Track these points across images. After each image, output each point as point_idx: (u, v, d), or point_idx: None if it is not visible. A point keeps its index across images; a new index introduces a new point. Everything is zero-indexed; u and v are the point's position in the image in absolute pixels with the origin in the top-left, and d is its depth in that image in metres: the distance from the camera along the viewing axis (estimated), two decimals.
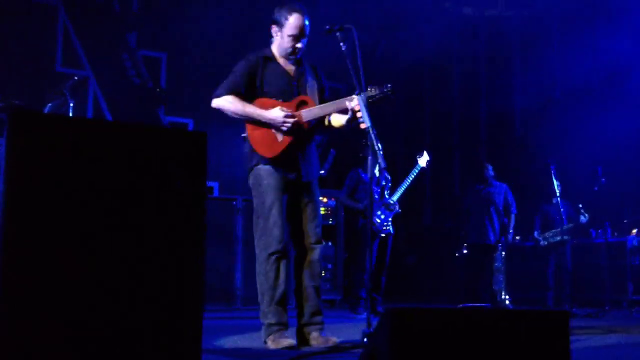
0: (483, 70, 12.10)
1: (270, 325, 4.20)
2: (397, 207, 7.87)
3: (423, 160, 7.95)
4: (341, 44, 4.12)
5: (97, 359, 2.26)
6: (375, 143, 3.94)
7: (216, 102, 4.25)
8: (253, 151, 4.28)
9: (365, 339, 3.81)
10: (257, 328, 4.42)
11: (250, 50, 4.41)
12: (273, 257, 4.19)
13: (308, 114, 4.24)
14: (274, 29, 4.34)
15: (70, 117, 4.59)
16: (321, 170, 8.38)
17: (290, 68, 4.37)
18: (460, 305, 7.13)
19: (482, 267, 8.96)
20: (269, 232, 4.19)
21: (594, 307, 8.14)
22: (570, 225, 8.83)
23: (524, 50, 11.86)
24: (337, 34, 4.16)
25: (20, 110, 4.87)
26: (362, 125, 4.03)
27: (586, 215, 8.70)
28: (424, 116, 12.48)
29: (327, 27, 4.19)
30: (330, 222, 8.99)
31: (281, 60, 4.36)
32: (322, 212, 8.05)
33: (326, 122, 4.41)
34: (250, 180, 4.33)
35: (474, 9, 11.81)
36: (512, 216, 9.07)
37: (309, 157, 4.35)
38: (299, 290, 4.33)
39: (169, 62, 9.85)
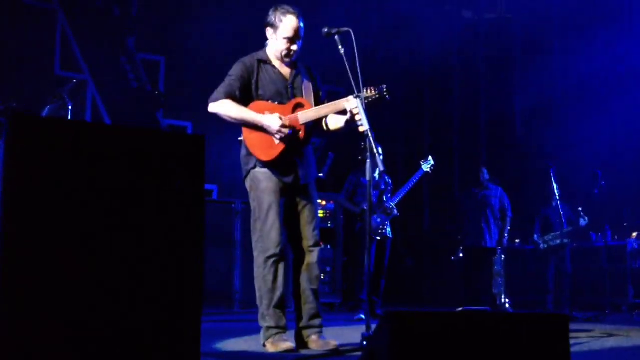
0: (483, 73, 12.10)
1: (268, 328, 4.19)
2: (395, 211, 7.86)
3: (427, 166, 7.93)
4: (340, 47, 4.12)
5: None
6: (374, 146, 3.93)
7: (213, 107, 4.23)
8: (250, 154, 4.26)
9: (364, 342, 3.80)
10: (255, 331, 4.41)
11: (249, 53, 4.40)
12: (271, 261, 4.18)
13: (304, 116, 4.23)
14: (269, 31, 4.33)
15: (68, 120, 4.59)
16: (320, 173, 8.39)
17: (285, 71, 4.35)
18: (460, 309, 7.12)
19: (480, 271, 8.95)
20: (266, 235, 4.18)
21: (594, 310, 8.13)
22: (570, 228, 8.82)
23: (524, 53, 11.87)
24: (336, 37, 4.15)
25: (18, 113, 4.87)
26: (361, 129, 4.02)
27: (586, 218, 8.68)
28: (424, 119, 12.48)
29: (326, 30, 4.19)
30: (329, 225, 8.98)
31: (276, 63, 4.34)
32: (320, 215, 8.07)
33: (324, 125, 4.39)
34: (248, 184, 4.31)
35: (474, 11, 11.82)
36: (508, 219, 9.07)
37: (306, 160, 4.33)
38: (298, 293, 4.32)
39: (167, 65, 9.85)
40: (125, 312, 2.33)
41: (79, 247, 2.28)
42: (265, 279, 4.19)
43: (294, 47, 4.28)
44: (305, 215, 4.31)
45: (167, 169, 2.47)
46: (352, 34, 4.05)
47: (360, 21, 10.53)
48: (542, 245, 9.19)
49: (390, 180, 8.10)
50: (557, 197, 8.42)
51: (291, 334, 4.32)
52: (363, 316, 7.86)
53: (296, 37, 4.26)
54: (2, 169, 2.23)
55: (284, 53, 4.28)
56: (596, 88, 10.44)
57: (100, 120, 9.05)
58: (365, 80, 4.07)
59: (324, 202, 8.73)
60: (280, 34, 4.25)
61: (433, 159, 8.02)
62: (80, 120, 7.15)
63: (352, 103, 4.10)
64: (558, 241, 9.02)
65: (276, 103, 4.25)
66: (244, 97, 4.23)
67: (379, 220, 7.81)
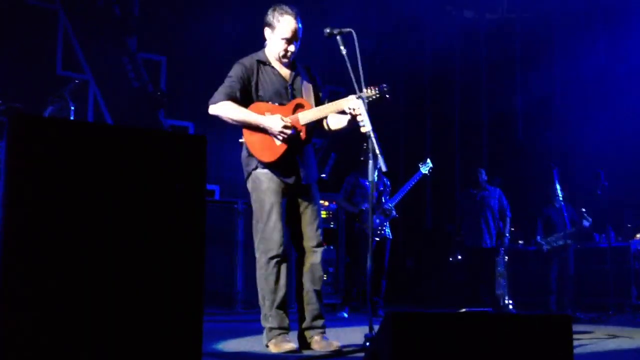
0: (484, 73, 12.08)
1: (271, 329, 4.19)
2: (393, 212, 7.87)
3: (425, 167, 7.95)
4: (341, 47, 4.10)
5: None
6: (376, 147, 3.92)
7: (213, 109, 4.22)
8: (251, 156, 4.25)
9: (367, 343, 3.79)
10: (258, 332, 4.41)
11: (251, 53, 4.39)
12: (273, 261, 4.17)
13: (305, 117, 4.22)
14: (267, 31, 4.31)
15: (69, 120, 4.59)
16: (322, 174, 8.37)
17: (284, 72, 4.34)
18: (463, 310, 7.11)
19: (481, 272, 8.95)
20: (268, 236, 4.17)
21: (597, 311, 8.10)
22: (573, 229, 8.80)
23: (525, 54, 11.85)
24: (338, 37, 4.14)
25: (20, 113, 4.87)
26: (363, 129, 4.01)
27: (589, 219, 8.66)
28: (425, 119, 12.46)
29: (328, 30, 4.18)
30: (331, 225, 8.97)
31: (275, 64, 4.32)
32: (323, 216, 8.05)
33: (325, 125, 4.38)
34: (249, 185, 4.30)
35: (476, 12, 11.80)
36: (508, 220, 9.09)
37: (307, 160, 4.32)
38: (301, 294, 4.31)
39: (169, 65, 9.85)
40: (126, 312, 2.33)
41: (80, 248, 2.28)
42: (268, 280, 4.18)
43: (292, 48, 4.27)
44: (307, 216, 4.30)
45: (169, 170, 2.47)
46: (354, 34, 4.04)
47: (362, 22, 10.51)
48: (545, 247, 9.16)
49: (388, 182, 8.10)
50: (560, 198, 8.40)
51: (294, 334, 4.31)
52: (346, 315, 7.88)
53: (294, 37, 4.25)
54: (4, 169, 2.23)
55: (281, 54, 4.27)
56: (598, 88, 10.41)
57: (102, 121, 9.05)
58: (367, 80, 4.06)
59: (326, 203, 8.71)
60: (278, 34, 4.24)
61: (435, 160, 8.03)
62: (81, 121, 7.15)
63: (353, 103, 4.09)
64: (561, 242, 8.99)
65: (276, 104, 4.24)
66: (244, 99, 4.22)
67: (377, 221, 7.81)
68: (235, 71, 4.26)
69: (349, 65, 4.02)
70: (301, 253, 4.32)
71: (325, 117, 4.33)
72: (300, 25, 4.26)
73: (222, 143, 7.20)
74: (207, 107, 4.24)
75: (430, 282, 11.12)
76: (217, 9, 9.81)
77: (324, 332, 4.30)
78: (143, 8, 9.64)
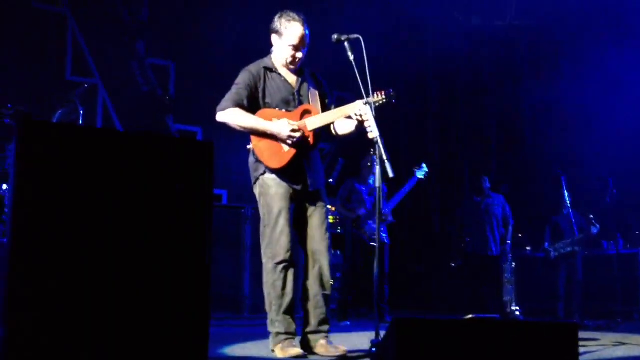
0: (491, 79, 12.05)
1: (278, 334, 4.19)
2: (390, 217, 7.86)
3: (421, 172, 7.94)
4: (349, 53, 4.11)
5: None
6: (383, 152, 3.92)
7: (221, 116, 4.22)
8: (259, 162, 4.26)
9: (373, 349, 3.78)
10: (265, 336, 4.41)
11: (259, 58, 4.40)
12: (280, 267, 4.18)
13: (312, 122, 4.23)
14: (274, 38, 4.32)
15: (76, 125, 4.61)
16: (330, 179, 8.37)
17: (291, 78, 4.35)
18: (470, 316, 7.09)
19: (488, 278, 8.94)
20: (276, 241, 4.17)
21: (605, 318, 8.06)
22: (582, 236, 8.77)
23: (532, 60, 11.82)
24: (345, 43, 4.14)
25: (28, 118, 4.89)
26: (370, 135, 4.01)
27: (597, 226, 8.63)
28: (430, 125, 12.44)
29: (335, 36, 4.18)
30: (338, 230, 8.97)
31: (282, 71, 4.33)
32: (330, 221, 8.04)
33: (332, 130, 4.39)
34: (257, 190, 4.31)
35: (483, 18, 11.78)
36: (510, 227, 9.10)
37: (314, 166, 4.33)
38: (307, 298, 4.30)
39: (177, 70, 9.87)
40: (129, 315, 2.34)
41: (87, 251, 2.29)
42: (275, 285, 4.18)
43: (299, 55, 4.28)
44: (314, 220, 4.30)
45: (176, 175, 2.48)
46: (362, 40, 4.05)
47: (368, 27, 10.52)
48: (553, 253, 9.14)
49: (385, 187, 8.08)
50: (569, 205, 8.37)
51: (299, 339, 4.30)
52: (348, 323, 7.84)
53: (301, 44, 4.26)
54: (13, 173, 2.25)
55: (289, 60, 4.28)
56: (607, 95, 10.38)
57: (111, 125, 9.08)
58: (373, 86, 4.06)
59: (333, 208, 8.72)
60: (286, 41, 4.25)
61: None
62: (89, 126, 7.17)
63: (360, 109, 4.10)
64: (569, 249, 8.97)
65: (283, 110, 4.25)
66: (251, 106, 4.23)
67: (374, 226, 7.81)
68: (243, 78, 4.27)
69: (356, 71, 4.02)
70: (309, 258, 4.32)
71: (332, 123, 4.35)
72: (307, 31, 4.27)
73: (230, 148, 7.19)
74: (215, 112, 4.25)
75: (438, 288, 11.09)
76: (225, 14, 9.83)
77: (328, 337, 4.30)
78: (152, 13, 9.67)
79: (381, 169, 3.92)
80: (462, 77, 12.20)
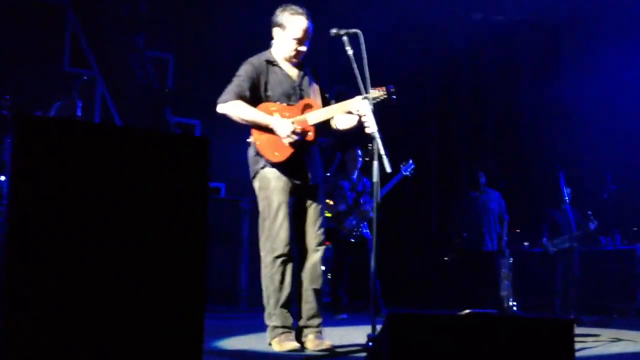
0: (491, 75, 12.04)
1: (275, 327, 4.19)
2: (371, 214, 7.85)
3: (407, 169, 7.86)
4: (348, 48, 4.09)
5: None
6: (381, 148, 3.91)
7: (222, 108, 4.20)
8: (259, 155, 4.25)
9: (369, 343, 3.78)
10: (261, 329, 4.42)
11: (259, 51, 4.38)
12: (279, 260, 4.17)
13: (313, 117, 4.22)
14: (276, 31, 4.30)
15: (73, 121, 4.59)
16: (328, 173, 8.38)
17: (292, 71, 4.34)
18: (467, 311, 7.10)
19: (484, 274, 8.96)
20: (275, 235, 4.17)
21: (602, 314, 8.08)
22: (579, 232, 8.79)
23: (532, 56, 11.81)
24: (344, 38, 4.13)
25: (24, 114, 4.88)
26: (368, 130, 4.00)
27: (595, 222, 8.65)
28: (431, 121, 12.43)
29: (334, 30, 4.16)
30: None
31: (283, 64, 4.32)
32: (327, 215, 8.05)
33: (332, 124, 4.39)
34: (257, 184, 4.30)
35: (483, 14, 11.76)
36: (505, 223, 9.14)
37: (314, 160, 4.33)
38: (299, 292, 4.30)
39: (176, 63, 9.86)
40: (126, 311, 2.34)
41: (82, 246, 2.28)
42: (273, 279, 4.18)
43: (303, 48, 4.27)
44: (310, 215, 4.30)
45: (171, 171, 2.47)
46: (361, 35, 4.03)
47: (367, 23, 10.49)
48: (551, 249, 9.15)
49: (369, 183, 8.06)
50: (567, 201, 8.38)
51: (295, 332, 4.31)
52: (346, 316, 7.85)
53: (305, 37, 4.25)
54: (10, 169, 2.25)
55: (292, 54, 4.27)
56: (606, 91, 10.37)
57: (110, 118, 9.07)
58: (372, 82, 4.05)
59: (331, 202, 8.73)
60: (289, 34, 4.23)
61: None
62: (85, 121, 7.16)
63: (358, 104, 4.09)
64: (567, 244, 8.99)
65: (285, 104, 4.24)
66: (252, 98, 4.22)
67: (354, 222, 7.82)
68: (245, 70, 4.25)
69: (354, 66, 4.01)
70: (303, 252, 4.32)
71: (332, 117, 4.35)
72: (311, 25, 4.26)
73: (229, 141, 7.18)
74: (214, 105, 4.23)
75: (436, 283, 11.10)
76: (224, 7, 9.82)
77: (319, 332, 4.29)
78: (151, 5, 9.65)
79: (378, 164, 3.92)
80: (461, 73, 12.19)
